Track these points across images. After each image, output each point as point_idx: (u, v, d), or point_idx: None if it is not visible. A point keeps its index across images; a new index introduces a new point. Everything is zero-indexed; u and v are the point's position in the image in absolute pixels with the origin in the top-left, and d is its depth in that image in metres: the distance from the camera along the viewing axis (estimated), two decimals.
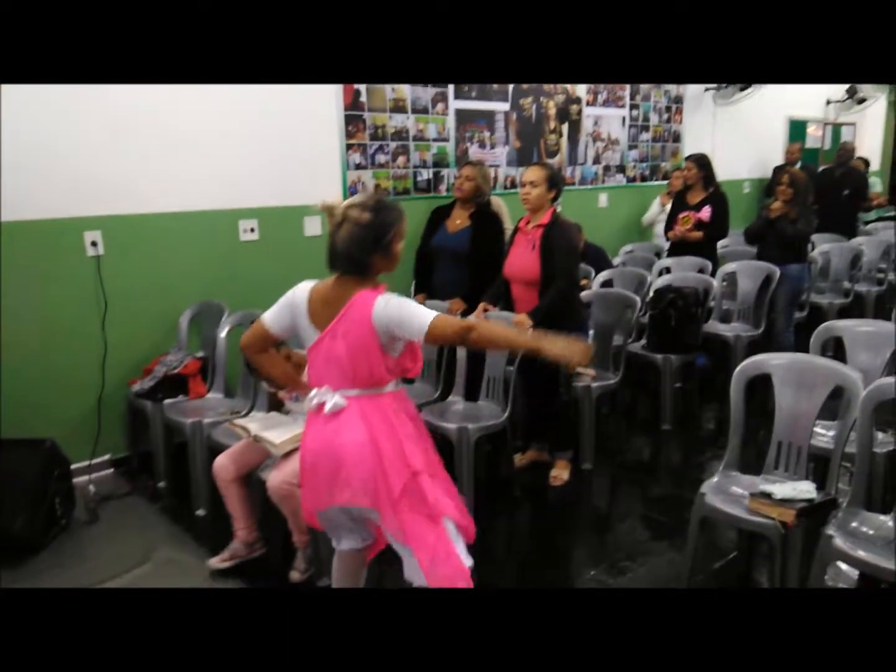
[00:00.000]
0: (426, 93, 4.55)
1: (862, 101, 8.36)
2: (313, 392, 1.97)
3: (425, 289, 3.96)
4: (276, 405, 2.93)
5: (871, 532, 2.24)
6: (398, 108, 4.44)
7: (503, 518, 3.30)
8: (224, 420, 3.16)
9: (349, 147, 4.26)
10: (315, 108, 4.10)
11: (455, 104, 4.72)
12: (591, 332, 4.04)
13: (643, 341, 4.32)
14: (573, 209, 5.41)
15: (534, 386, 3.49)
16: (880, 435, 2.83)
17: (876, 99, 8.56)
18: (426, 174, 4.66)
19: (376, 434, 1.91)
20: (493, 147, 5.00)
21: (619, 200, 6.01)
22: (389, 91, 4.38)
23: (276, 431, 2.61)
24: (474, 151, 4.86)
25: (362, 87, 4.26)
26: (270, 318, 2.02)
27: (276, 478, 2.48)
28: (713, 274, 4.72)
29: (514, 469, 3.50)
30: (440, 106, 4.64)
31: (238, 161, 3.85)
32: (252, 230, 3.96)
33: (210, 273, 3.84)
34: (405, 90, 4.45)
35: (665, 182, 6.12)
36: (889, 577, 2.21)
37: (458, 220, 3.95)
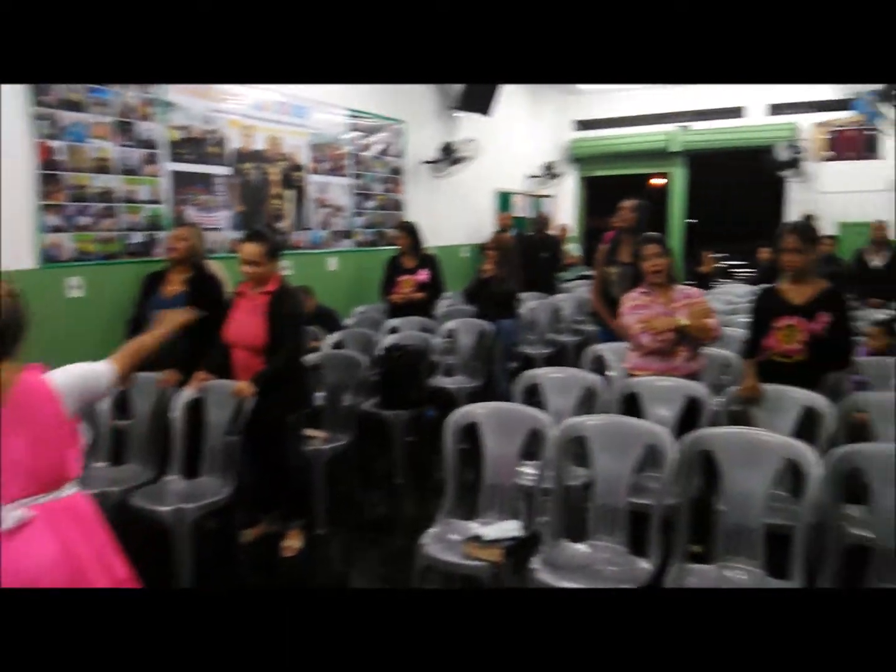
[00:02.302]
0: (134, 153, 4.32)
1: (556, 176, 9.63)
2: None
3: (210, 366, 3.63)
4: None
5: (571, 561, 2.47)
6: (102, 167, 4.14)
7: None
8: None
9: (46, 208, 3.87)
10: (5, 165, 3.67)
11: (170, 166, 4.54)
12: (322, 394, 4.06)
13: (375, 399, 4.42)
14: (304, 272, 5.46)
15: (261, 453, 3.38)
16: (576, 470, 3.17)
17: (567, 174, 9.92)
18: (139, 237, 4.38)
19: (71, 546, 1.64)
20: (213, 210, 4.87)
21: (348, 264, 6.18)
22: (93, 150, 4.08)
23: None
24: (192, 214, 4.69)
25: (63, 145, 3.91)
26: None
27: None
28: (435, 332, 5.03)
29: (240, 546, 3.32)
30: (152, 167, 4.43)
31: None
32: None
33: None
34: (110, 150, 4.18)
35: (392, 247, 6.42)
36: None
37: (174, 285, 3.75)
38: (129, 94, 4.26)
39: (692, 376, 3.16)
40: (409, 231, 5.19)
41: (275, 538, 3.43)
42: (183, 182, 4.64)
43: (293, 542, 3.37)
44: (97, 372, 1.83)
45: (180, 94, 4.57)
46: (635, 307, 3.24)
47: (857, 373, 3.53)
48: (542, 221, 7.35)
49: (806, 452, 2.28)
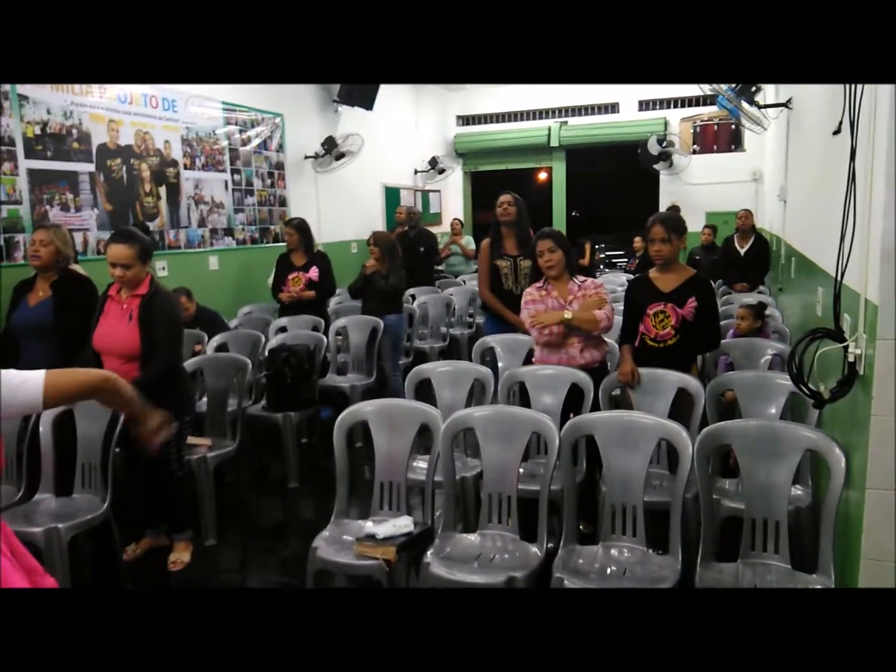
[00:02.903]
0: None
1: (442, 171, 9.69)
2: None
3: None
4: None
5: (464, 552, 2.49)
6: None
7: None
8: None
9: None
10: None
11: (26, 164, 4.21)
12: (205, 399, 3.90)
13: (263, 402, 4.29)
14: (182, 273, 5.22)
15: (140, 465, 3.20)
16: (469, 460, 3.21)
17: (453, 170, 10.01)
18: None
19: None
20: (78, 210, 4.57)
21: (230, 262, 5.97)
22: None
23: None
24: (56, 214, 4.38)
25: None
26: None
27: None
28: (326, 330, 4.95)
29: (122, 563, 3.14)
30: (7, 165, 4.10)
31: None
32: None
33: None
34: None
35: (277, 244, 6.26)
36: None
37: (40, 292, 3.49)
38: None
39: (592, 365, 3.24)
40: (299, 228, 5.08)
41: (161, 552, 3.27)
42: (42, 180, 4.32)
43: (181, 556, 3.23)
44: (20, 382, 1.50)
45: (36, 88, 4.25)
46: (530, 301, 3.30)
47: (726, 353, 3.76)
48: (412, 216, 7.36)
49: (678, 432, 2.40)
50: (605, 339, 3.44)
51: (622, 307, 4.11)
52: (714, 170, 8.82)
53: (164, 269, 5.19)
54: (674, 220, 3.25)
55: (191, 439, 3.48)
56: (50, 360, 3.28)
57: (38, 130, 4.29)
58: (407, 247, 7.01)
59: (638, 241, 7.89)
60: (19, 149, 4.18)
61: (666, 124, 9.02)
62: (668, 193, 9.09)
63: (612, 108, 9.39)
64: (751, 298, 5.09)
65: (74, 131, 4.53)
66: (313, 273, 5.03)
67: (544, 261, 3.28)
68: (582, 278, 3.37)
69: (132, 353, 3.03)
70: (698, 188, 8.89)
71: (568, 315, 3.16)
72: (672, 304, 3.12)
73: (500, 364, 3.81)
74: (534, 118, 9.88)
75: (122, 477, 3.33)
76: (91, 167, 4.66)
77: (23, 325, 3.43)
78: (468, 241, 8.46)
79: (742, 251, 6.42)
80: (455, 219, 8.76)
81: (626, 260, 8.47)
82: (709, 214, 8.60)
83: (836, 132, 2.63)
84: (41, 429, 3.02)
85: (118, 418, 2.95)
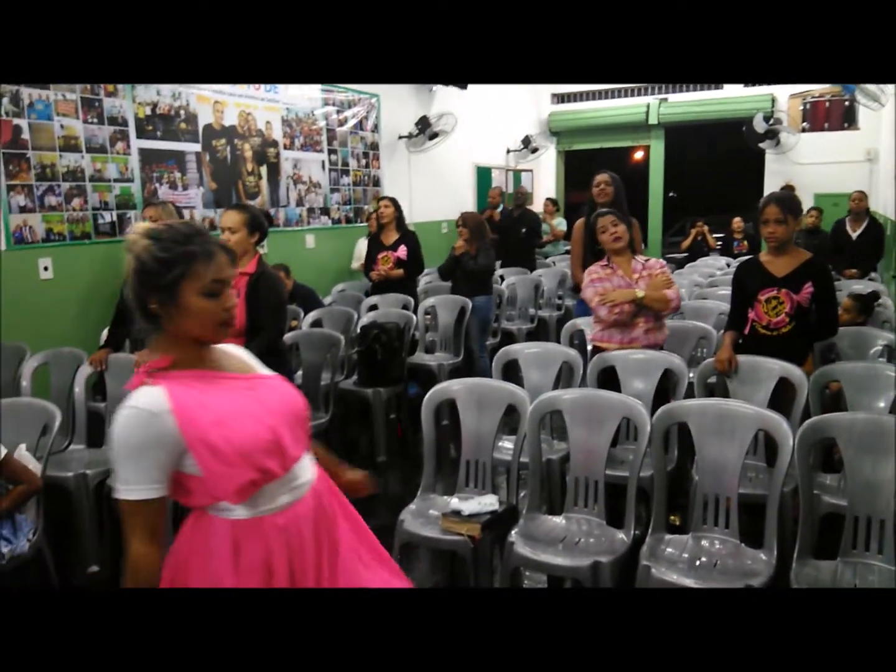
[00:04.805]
0: (102, 131, 4.22)
1: (535, 150, 9.57)
2: None
3: (114, 343, 3.57)
4: None
5: (549, 534, 2.49)
6: (70, 146, 4.05)
7: None
8: None
9: (11, 188, 3.78)
10: None
11: (138, 143, 4.45)
12: (299, 374, 4.04)
13: (355, 377, 4.40)
14: (281, 250, 5.40)
15: None
16: (556, 443, 3.19)
17: (546, 148, 9.87)
18: (109, 216, 4.30)
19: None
20: (185, 188, 4.79)
21: (325, 241, 6.12)
22: (58, 128, 3.98)
23: None
24: (164, 192, 4.61)
25: (24, 123, 3.82)
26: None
27: None
28: (415, 308, 5.01)
29: None
30: (120, 145, 4.34)
31: None
32: None
33: None
34: (77, 128, 4.08)
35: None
36: (568, 573, 2.46)
37: None
38: None
39: (654, 348, 3.17)
40: (394, 202, 5.12)
41: None
42: (152, 159, 4.56)
43: None
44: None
45: None
46: (595, 280, 3.24)
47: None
48: (520, 196, 7.31)
49: (778, 422, 2.30)
50: (702, 323, 3.34)
51: (721, 292, 3.96)
52: (824, 149, 8.31)
53: (263, 246, 5.36)
54: (789, 200, 3.07)
55: None
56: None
57: (148, 111, 4.52)
58: (509, 227, 6.99)
59: (738, 222, 7.54)
60: (131, 129, 4.41)
61: (773, 101, 8.55)
62: (775, 173, 8.64)
63: (716, 84, 8.98)
64: (861, 286, 4.80)
65: (182, 112, 4.74)
66: (402, 252, 5.07)
67: (609, 235, 3.20)
68: (644, 258, 3.29)
69: (238, 329, 3.17)
70: (807, 168, 8.41)
71: (640, 293, 3.08)
72: (786, 290, 2.96)
73: (589, 347, 3.75)
74: (631, 95, 9.58)
75: None
76: (197, 147, 4.88)
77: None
78: (559, 223, 8.35)
79: (854, 235, 6.05)
80: (548, 199, 8.65)
81: (720, 243, 8.06)
82: (817, 196, 8.12)
83: None
84: (76, 388, 3.22)
85: None
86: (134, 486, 1.27)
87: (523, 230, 6.96)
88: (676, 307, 3.18)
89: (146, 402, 1.28)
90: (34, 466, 2.49)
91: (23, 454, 2.48)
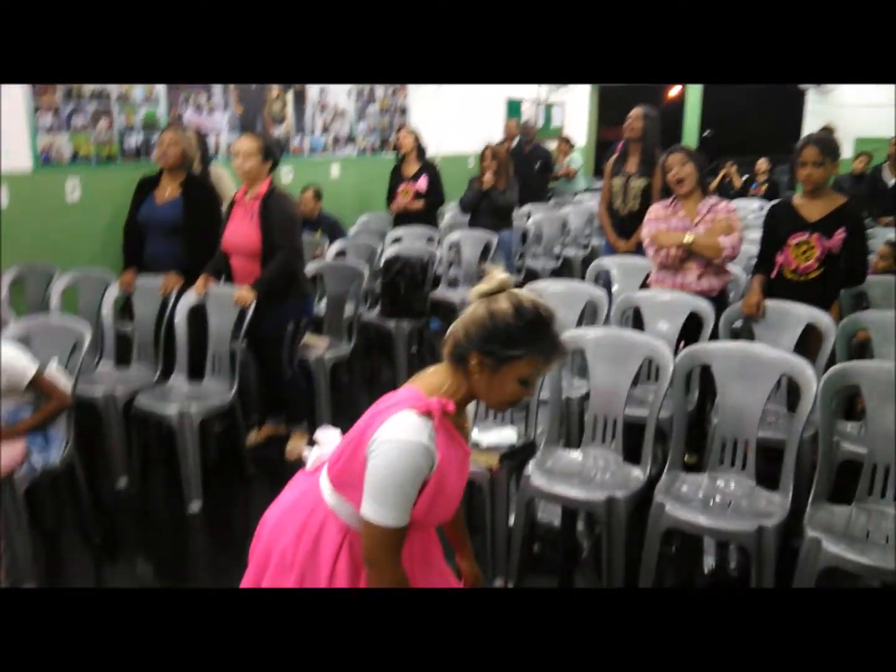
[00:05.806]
0: None
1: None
2: None
3: (135, 264, 3.59)
4: None
5: (566, 467, 2.52)
6: None
7: (239, 499, 3.21)
8: None
9: (37, 109, 3.76)
10: None
11: None
12: (324, 302, 4.06)
13: (378, 309, 4.42)
14: (306, 179, 5.34)
15: (261, 359, 3.43)
16: (576, 381, 3.20)
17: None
18: (135, 139, 4.28)
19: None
20: (211, 112, 4.73)
21: (351, 171, 6.05)
22: None
23: None
24: (189, 116, 4.56)
25: None
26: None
27: None
28: (439, 241, 4.97)
29: (245, 447, 3.39)
30: None
31: None
32: None
33: None
34: None
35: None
36: (583, 507, 2.51)
37: (168, 191, 3.62)
38: None
39: (709, 294, 3.09)
40: (410, 135, 5.03)
41: (282, 440, 3.51)
42: None
43: (297, 445, 3.45)
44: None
45: None
46: (653, 220, 3.17)
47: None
48: (530, 131, 7.11)
49: (802, 367, 2.29)
50: (730, 267, 3.28)
51: (753, 236, 3.87)
52: (869, 90, 7.97)
53: (289, 173, 5.33)
54: (828, 143, 2.97)
55: (308, 339, 3.66)
56: (175, 256, 3.50)
57: None
58: (521, 162, 6.85)
59: (762, 163, 7.32)
60: None
61: None
62: (815, 114, 8.35)
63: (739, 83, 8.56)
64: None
65: None
66: (422, 184, 4.99)
67: (673, 174, 3.09)
68: (714, 199, 3.18)
69: (255, 251, 3.18)
70: (849, 110, 8.10)
71: (689, 238, 3.02)
72: (818, 234, 2.89)
73: (614, 287, 3.72)
74: None
75: (247, 368, 3.55)
76: None
77: (150, 222, 3.57)
78: (571, 160, 8.13)
79: (892, 182, 5.86)
80: (561, 137, 8.41)
81: (752, 184, 7.82)
82: (859, 140, 7.84)
83: None
84: (177, 318, 3.25)
85: (246, 313, 3.14)
86: (402, 514, 1.30)
87: (537, 165, 6.82)
88: (730, 256, 3.05)
89: (429, 439, 1.30)
90: (64, 384, 2.55)
91: (53, 372, 2.54)
